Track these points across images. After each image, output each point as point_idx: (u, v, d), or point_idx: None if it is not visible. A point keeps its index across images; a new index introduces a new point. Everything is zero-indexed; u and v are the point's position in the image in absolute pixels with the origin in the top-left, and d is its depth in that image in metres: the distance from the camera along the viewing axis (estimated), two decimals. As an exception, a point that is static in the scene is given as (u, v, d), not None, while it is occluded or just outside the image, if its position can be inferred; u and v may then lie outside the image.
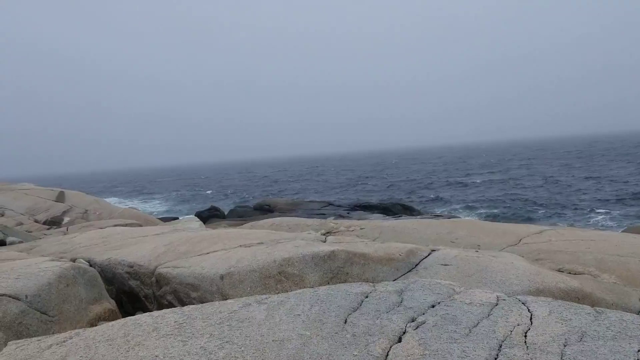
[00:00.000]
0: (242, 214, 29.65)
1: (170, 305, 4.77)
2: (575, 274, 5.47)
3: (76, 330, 3.08)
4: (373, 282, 3.80)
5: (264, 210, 30.44)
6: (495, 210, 32.09)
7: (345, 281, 4.69)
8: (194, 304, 3.93)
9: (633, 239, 7.34)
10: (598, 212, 28.60)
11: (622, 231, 16.47)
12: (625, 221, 24.79)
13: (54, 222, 13.99)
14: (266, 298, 3.35)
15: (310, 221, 10.05)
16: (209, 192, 66.43)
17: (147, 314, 3.25)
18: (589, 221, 26.18)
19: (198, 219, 13.96)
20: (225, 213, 31.47)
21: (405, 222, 9.29)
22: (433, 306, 3.10)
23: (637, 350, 2.47)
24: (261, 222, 10.77)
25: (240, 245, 5.48)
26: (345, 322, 2.89)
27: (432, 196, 42.84)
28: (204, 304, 3.44)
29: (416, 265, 5.08)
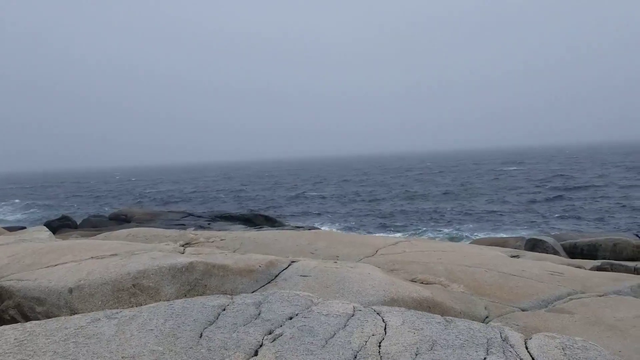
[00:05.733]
0: (96, 224, 28.25)
1: (13, 320, 4.42)
2: (427, 283, 5.70)
3: None
4: (232, 294, 3.73)
5: (120, 220, 29.24)
6: (353, 223, 33.01)
7: (203, 293, 4.58)
8: (39, 319, 3.65)
9: (479, 249, 7.83)
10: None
11: (470, 242, 17.58)
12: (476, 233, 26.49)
13: None
14: (117, 312, 3.17)
15: (169, 232, 9.74)
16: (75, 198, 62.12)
17: (-18, 331, 2.96)
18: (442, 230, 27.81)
19: (47, 229, 13.07)
20: (78, 223, 29.87)
21: (266, 234, 9.27)
22: (291, 318, 3.08)
23: (483, 358, 2.59)
24: (116, 232, 10.29)
25: (92, 257, 5.20)
26: (201, 336, 2.80)
27: (295, 207, 43.40)
28: (49, 319, 3.20)
29: (276, 276, 5.06)
